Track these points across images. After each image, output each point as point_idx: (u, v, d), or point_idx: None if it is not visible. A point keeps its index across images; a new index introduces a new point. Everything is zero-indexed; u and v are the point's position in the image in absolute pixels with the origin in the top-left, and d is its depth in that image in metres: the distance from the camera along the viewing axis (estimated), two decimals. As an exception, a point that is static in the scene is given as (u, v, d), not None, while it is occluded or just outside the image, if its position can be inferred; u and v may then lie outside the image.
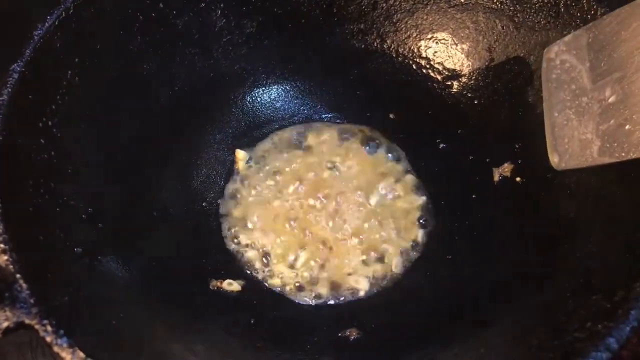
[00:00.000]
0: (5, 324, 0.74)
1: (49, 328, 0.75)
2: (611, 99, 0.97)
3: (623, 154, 0.92)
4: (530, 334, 0.90)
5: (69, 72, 1.04)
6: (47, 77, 1.01)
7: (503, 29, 1.22)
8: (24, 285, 0.77)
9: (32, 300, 0.76)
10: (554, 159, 1.07)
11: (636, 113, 0.91)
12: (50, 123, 1.00)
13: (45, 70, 1.01)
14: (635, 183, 0.93)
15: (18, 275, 0.78)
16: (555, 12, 1.13)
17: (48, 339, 0.74)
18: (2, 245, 0.80)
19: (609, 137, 0.96)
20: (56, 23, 1.03)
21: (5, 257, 0.79)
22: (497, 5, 1.22)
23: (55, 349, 0.74)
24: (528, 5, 1.17)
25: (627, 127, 0.92)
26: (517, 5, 1.19)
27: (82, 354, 0.73)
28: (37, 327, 0.75)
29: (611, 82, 0.97)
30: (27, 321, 0.75)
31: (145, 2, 1.13)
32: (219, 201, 1.29)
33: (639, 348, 0.90)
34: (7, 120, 0.93)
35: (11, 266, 0.79)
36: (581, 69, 1.04)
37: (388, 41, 1.34)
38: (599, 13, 1.06)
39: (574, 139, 1.03)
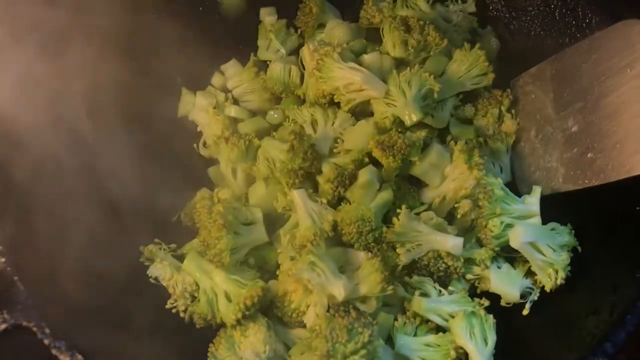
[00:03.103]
0: (3, 326, 0.73)
1: (47, 330, 0.74)
2: (574, 128, 1.01)
3: (586, 181, 0.96)
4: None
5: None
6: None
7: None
8: (22, 288, 0.77)
9: (30, 303, 0.76)
10: (520, 186, 1.10)
11: (597, 142, 0.95)
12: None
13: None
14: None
15: (16, 277, 0.78)
16: (550, 20, 1.15)
17: (46, 341, 0.74)
18: (-1, 247, 0.80)
19: (572, 165, 1.00)
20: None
21: (3, 260, 0.79)
22: (493, 13, 1.24)
23: (54, 351, 0.73)
24: (523, 13, 1.19)
25: (589, 155, 0.96)
26: (513, 13, 1.21)
27: (80, 357, 0.73)
28: (34, 329, 0.74)
29: (573, 112, 1.01)
30: (24, 323, 0.75)
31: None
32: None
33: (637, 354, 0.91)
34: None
35: (9, 268, 0.78)
36: (545, 100, 1.09)
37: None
38: (593, 22, 1.08)
39: (540, 167, 1.08)
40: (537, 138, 1.09)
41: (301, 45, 1.22)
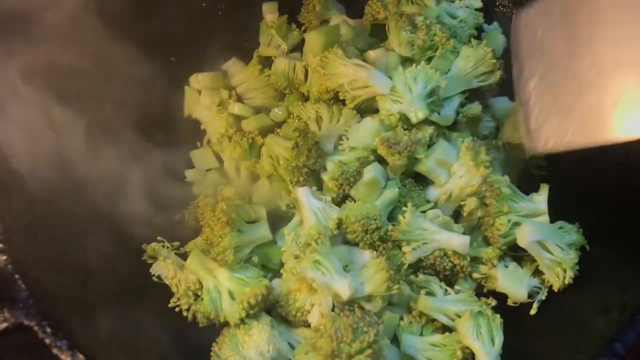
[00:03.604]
0: (3, 325, 0.73)
1: (48, 329, 0.74)
2: (589, 74, 0.82)
3: (600, 138, 0.81)
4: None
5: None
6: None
7: None
8: (23, 286, 0.76)
9: (31, 301, 0.75)
10: (529, 142, 0.94)
11: (614, 93, 0.78)
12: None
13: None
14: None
15: (17, 276, 0.77)
16: None
17: (47, 340, 0.73)
18: (0, 245, 0.79)
19: (585, 117, 0.84)
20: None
21: (4, 257, 0.78)
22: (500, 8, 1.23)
23: (55, 351, 0.72)
24: (530, 9, 1.18)
25: (606, 104, 0.79)
26: (520, 9, 1.19)
27: (82, 356, 0.72)
28: (35, 328, 0.74)
29: (589, 54, 0.82)
30: (26, 322, 0.74)
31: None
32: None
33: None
34: None
35: (10, 266, 0.78)
36: (554, 40, 0.90)
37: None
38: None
39: (549, 120, 0.91)
40: (544, 84, 0.92)
41: (304, 41, 1.21)
